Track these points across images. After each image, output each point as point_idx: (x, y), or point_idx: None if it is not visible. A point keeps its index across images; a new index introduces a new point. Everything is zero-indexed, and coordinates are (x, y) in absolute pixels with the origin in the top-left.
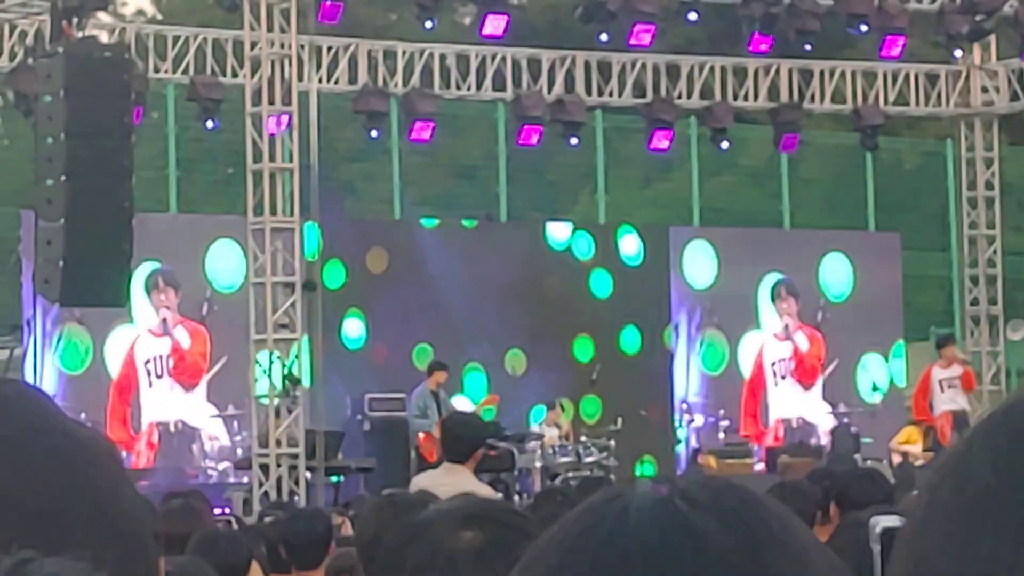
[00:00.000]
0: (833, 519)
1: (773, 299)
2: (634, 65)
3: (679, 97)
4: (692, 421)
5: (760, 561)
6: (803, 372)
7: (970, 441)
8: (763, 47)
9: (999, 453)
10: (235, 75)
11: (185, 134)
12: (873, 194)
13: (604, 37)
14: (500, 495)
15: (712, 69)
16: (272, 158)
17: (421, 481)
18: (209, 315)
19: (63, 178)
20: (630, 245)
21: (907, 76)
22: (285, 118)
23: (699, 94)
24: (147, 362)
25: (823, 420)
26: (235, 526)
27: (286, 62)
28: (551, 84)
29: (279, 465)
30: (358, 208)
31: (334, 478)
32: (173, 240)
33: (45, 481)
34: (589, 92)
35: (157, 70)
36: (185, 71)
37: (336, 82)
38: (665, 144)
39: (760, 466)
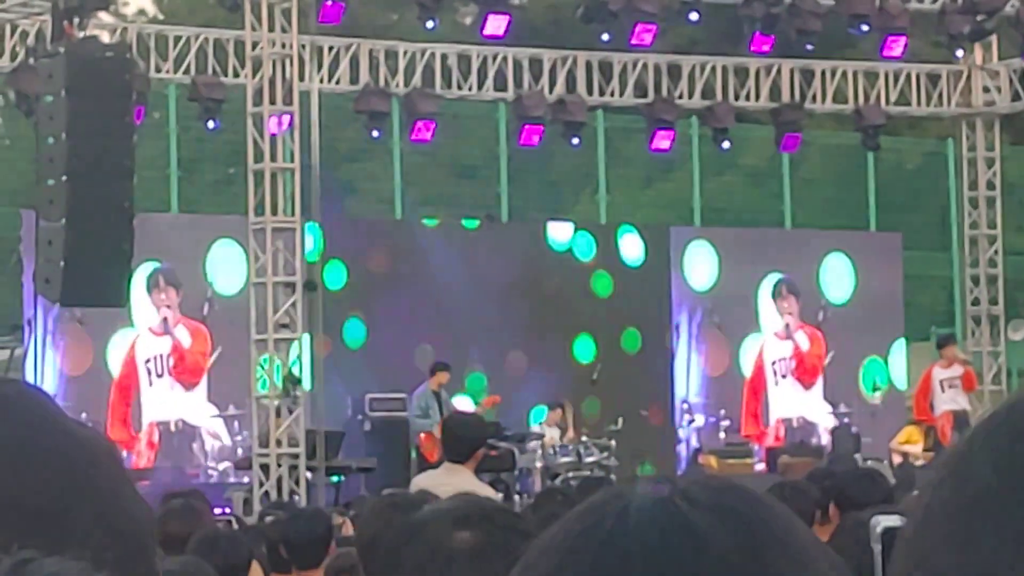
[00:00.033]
0: (832, 519)
1: (774, 298)
2: (635, 65)
3: (680, 97)
4: (693, 421)
5: (761, 561)
6: (804, 371)
7: (971, 441)
8: (764, 47)
9: (1000, 453)
10: (236, 75)
11: (186, 134)
12: (874, 194)
13: (605, 37)
14: (501, 495)
15: (713, 69)
16: (273, 158)
17: (422, 481)
18: (210, 315)
19: (64, 178)
20: (631, 245)
21: (908, 76)
22: (286, 118)
23: (700, 94)
24: (147, 361)
25: (823, 419)
26: (235, 526)
27: (287, 62)
28: (552, 84)
29: (280, 465)
30: (359, 208)
31: (334, 478)
32: (174, 240)
33: (45, 481)
34: (590, 92)
35: (158, 70)
36: (186, 71)
37: (337, 82)
38: (666, 144)
39: (761, 466)
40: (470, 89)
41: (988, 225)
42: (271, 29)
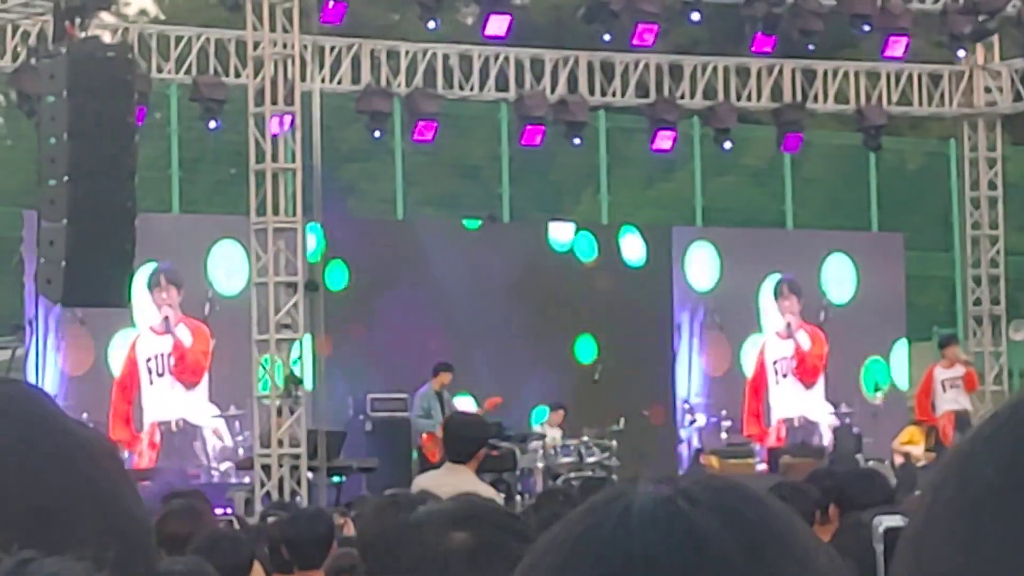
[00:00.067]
0: (832, 519)
1: (776, 297)
2: (637, 65)
3: (682, 97)
4: (694, 421)
5: (762, 561)
6: (805, 371)
7: (973, 441)
8: (766, 47)
9: (1002, 453)
10: (238, 75)
11: (188, 134)
12: (876, 194)
13: (607, 37)
14: (502, 496)
15: (715, 69)
16: (275, 158)
17: (423, 481)
18: (211, 315)
19: (66, 178)
20: (632, 245)
21: (910, 76)
22: (288, 118)
23: (702, 94)
24: (148, 360)
25: (825, 419)
26: (237, 526)
27: (289, 62)
28: (554, 84)
29: (281, 465)
30: (361, 208)
31: (336, 478)
32: (175, 240)
33: (45, 481)
34: (592, 92)
35: (160, 70)
36: (188, 71)
37: (339, 82)
38: (668, 144)
39: (762, 466)
40: (472, 89)
41: (990, 225)
42: (272, 29)
